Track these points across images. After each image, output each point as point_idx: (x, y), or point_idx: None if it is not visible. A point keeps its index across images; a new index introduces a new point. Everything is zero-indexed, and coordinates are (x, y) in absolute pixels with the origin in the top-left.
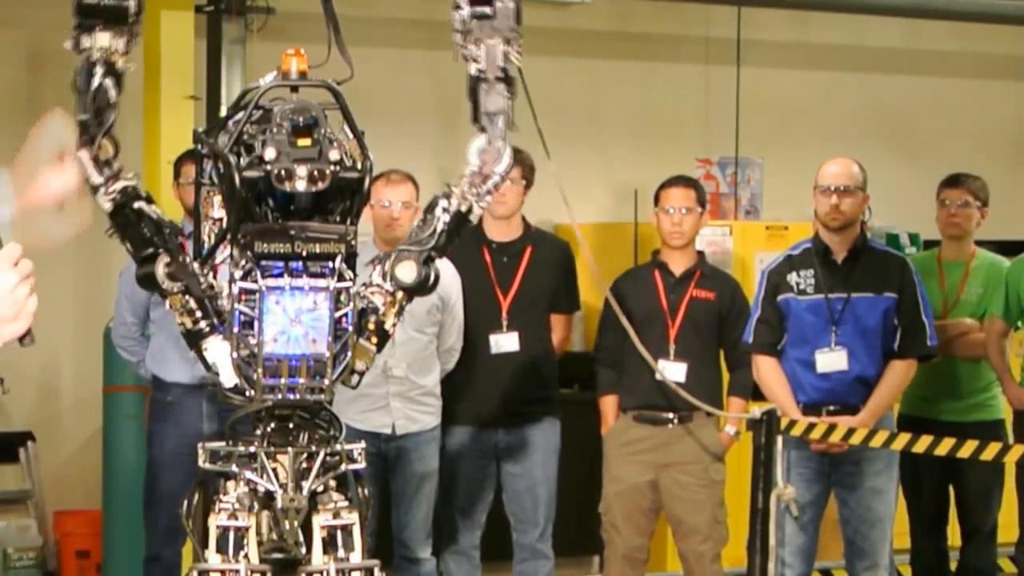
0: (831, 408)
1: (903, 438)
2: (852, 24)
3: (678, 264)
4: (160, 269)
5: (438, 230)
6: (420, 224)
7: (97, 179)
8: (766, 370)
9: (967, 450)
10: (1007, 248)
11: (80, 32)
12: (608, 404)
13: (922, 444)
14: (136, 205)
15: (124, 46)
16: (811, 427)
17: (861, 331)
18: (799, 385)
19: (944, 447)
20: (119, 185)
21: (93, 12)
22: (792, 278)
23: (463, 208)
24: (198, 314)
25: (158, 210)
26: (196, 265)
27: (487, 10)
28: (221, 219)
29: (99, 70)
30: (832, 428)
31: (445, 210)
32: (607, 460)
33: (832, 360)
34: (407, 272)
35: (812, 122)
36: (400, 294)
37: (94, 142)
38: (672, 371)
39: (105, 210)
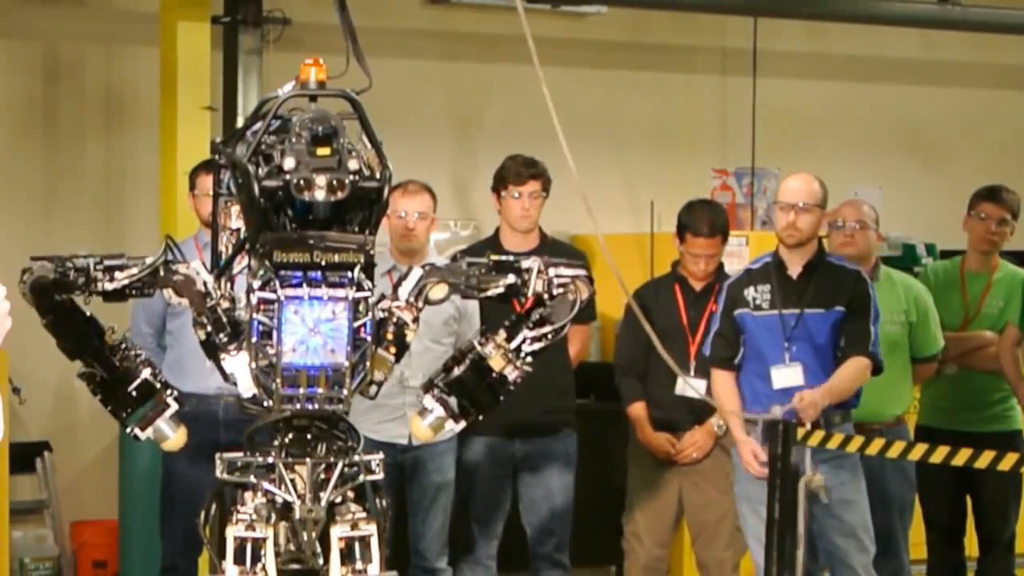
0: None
1: (920, 448)
2: (868, 35)
3: (698, 278)
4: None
5: (484, 283)
6: (477, 268)
7: None
8: (719, 383)
9: (984, 460)
10: None
11: None
12: (638, 411)
13: (939, 454)
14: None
15: None
16: (827, 437)
17: (814, 347)
18: (757, 399)
19: (961, 457)
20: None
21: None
22: (749, 293)
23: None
24: (210, 328)
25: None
26: (210, 278)
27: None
28: (239, 230)
29: None
30: (848, 439)
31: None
32: (632, 473)
33: (788, 376)
34: (439, 293)
35: (828, 133)
36: (421, 303)
37: None
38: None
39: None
